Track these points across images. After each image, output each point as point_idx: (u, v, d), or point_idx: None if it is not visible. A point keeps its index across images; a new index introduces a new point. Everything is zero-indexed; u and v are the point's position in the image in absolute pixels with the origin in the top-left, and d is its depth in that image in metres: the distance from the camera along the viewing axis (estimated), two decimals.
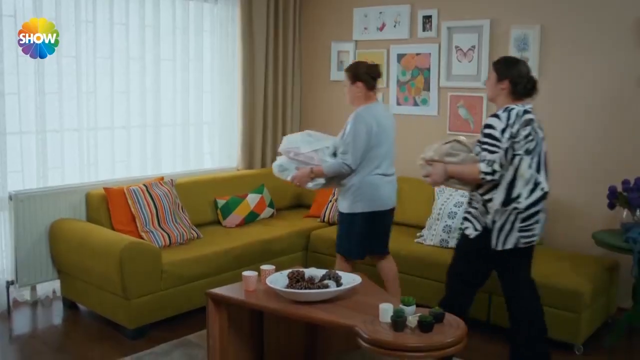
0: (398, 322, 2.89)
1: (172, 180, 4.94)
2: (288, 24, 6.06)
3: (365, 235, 4.07)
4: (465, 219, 3.49)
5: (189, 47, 5.43)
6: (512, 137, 3.23)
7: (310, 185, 4.15)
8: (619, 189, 4.16)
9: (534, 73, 4.66)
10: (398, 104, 5.61)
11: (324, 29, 6.10)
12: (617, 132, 4.52)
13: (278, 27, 5.98)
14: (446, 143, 3.50)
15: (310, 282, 3.31)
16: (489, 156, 3.24)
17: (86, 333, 4.21)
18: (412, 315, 2.96)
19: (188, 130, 5.52)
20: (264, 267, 3.57)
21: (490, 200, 3.31)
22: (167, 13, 5.25)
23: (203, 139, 5.70)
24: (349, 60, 5.86)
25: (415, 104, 5.50)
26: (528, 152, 3.25)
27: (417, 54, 5.43)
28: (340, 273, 3.44)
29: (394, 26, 5.55)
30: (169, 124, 5.39)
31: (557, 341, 3.98)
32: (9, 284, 4.47)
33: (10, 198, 4.38)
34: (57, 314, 4.57)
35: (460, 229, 3.62)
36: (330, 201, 5.41)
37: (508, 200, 3.27)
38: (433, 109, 5.39)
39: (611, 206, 4.20)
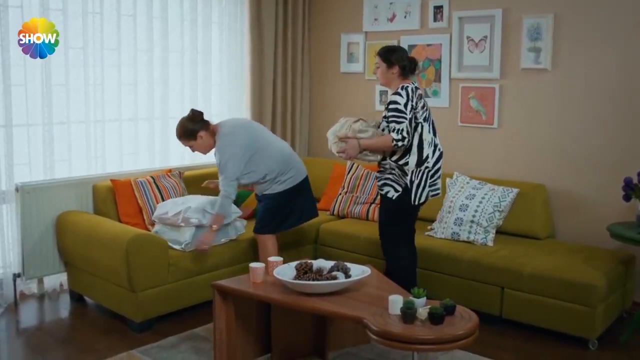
0: (408, 313, 2.83)
1: (180, 172, 4.91)
2: (297, 16, 6.00)
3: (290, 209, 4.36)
4: (385, 184, 3.98)
5: (197, 39, 5.38)
6: (414, 108, 3.84)
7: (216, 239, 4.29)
8: (635, 180, 4.06)
9: (548, 63, 4.68)
10: None
11: (333, 21, 6.03)
12: (632, 122, 4.41)
13: (287, 19, 5.92)
14: (355, 122, 3.97)
15: (319, 274, 3.26)
16: (398, 126, 3.80)
17: (93, 326, 4.18)
18: (423, 307, 2.91)
19: None
20: (271, 258, 3.52)
21: (406, 163, 3.86)
22: (175, 4, 5.20)
23: None
24: (359, 52, 5.80)
25: (426, 96, 5.41)
26: (425, 119, 3.91)
27: (428, 45, 5.35)
28: (349, 265, 3.38)
29: (405, 17, 5.47)
30: (177, 116, 5.29)
31: (570, 336, 3.91)
32: (15, 276, 4.44)
33: (17, 190, 4.35)
34: (64, 306, 4.54)
35: (381, 194, 4.04)
36: (340, 194, 5.35)
37: (420, 161, 3.87)
38: (444, 101, 5.31)
39: (627, 198, 4.11)
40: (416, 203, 3.94)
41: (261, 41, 5.75)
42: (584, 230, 4.62)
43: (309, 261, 3.39)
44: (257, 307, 3.56)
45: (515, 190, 4.61)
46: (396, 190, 3.92)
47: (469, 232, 4.50)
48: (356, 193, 5.28)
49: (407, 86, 3.88)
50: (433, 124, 3.99)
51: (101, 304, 4.36)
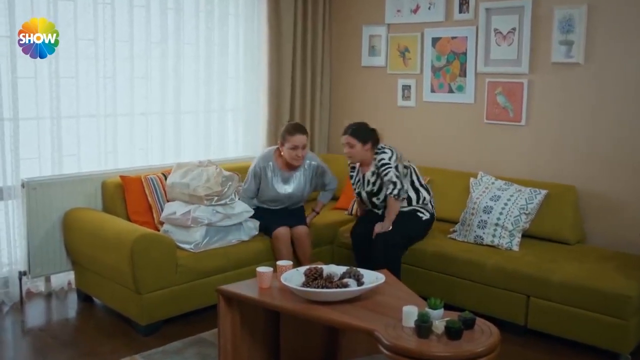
0: (422, 327, 2.61)
1: None
2: (317, 7, 5.78)
3: None
4: (418, 211, 4.38)
5: (213, 31, 5.20)
6: (398, 159, 4.31)
7: None
8: None
9: (580, 57, 4.42)
10: (432, 91, 5.30)
11: (354, 12, 5.81)
12: None
13: (307, 10, 5.72)
14: (216, 170, 4.35)
15: (329, 281, 3.06)
16: (386, 177, 4.23)
17: (98, 328, 4.04)
18: (439, 320, 2.69)
19: (211, 117, 5.31)
20: (280, 262, 3.34)
21: (424, 198, 4.42)
22: None
23: (227, 127, 5.48)
24: (381, 45, 5.58)
25: (451, 91, 5.18)
26: (406, 167, 4.42)
27: (453, 38, 5.10)
28: (362, 271, 3.18)
29: (429, 8, 5.23)
30: (191, 111, 5.19)
31: (601, 350, 3.67)
32: (21, 274, 4.32)
33: (23, 185, 4.22)
34: (70, 306, 4.41)
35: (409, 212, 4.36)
36: None
37: (428, 190, 4.50)
38: (469, 96, 5.06)
39: None
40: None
41: (279, 33, 5.56)
42: (617, 236, 4.37)
43: (320, 266, 3.19)
44: (265, 313, 3.38)
45: (544, 192, 4.36)
46: (425, 215, 4.38)
47: (493, 236, 4.27)
48: None
49: (383, 145, 4.34)
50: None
51: (108, 305, 4.22)
